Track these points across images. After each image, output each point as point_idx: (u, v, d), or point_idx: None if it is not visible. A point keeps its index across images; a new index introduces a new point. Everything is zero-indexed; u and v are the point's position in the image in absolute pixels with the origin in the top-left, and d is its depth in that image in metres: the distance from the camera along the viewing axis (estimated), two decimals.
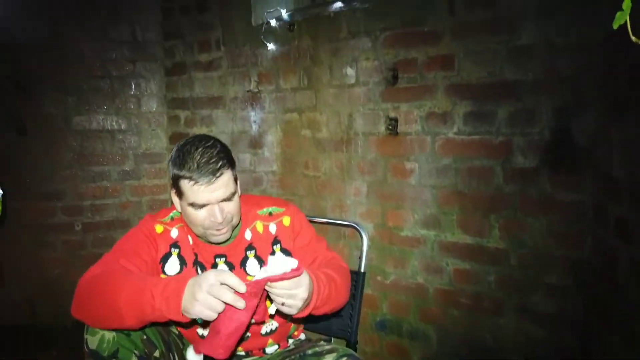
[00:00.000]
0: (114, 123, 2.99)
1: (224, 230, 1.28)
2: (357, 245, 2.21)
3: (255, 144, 2.64)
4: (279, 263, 1.08)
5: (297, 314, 1.15)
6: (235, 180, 1.30)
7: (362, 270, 1.71)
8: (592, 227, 1.63)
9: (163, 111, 3.08)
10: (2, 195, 2.12)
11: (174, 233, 1.37)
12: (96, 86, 2.93)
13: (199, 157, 1.21)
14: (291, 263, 1.09)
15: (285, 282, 1.08)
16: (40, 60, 2.80)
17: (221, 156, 1.24)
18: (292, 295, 1.10)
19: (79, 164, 2.94)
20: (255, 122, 2.63)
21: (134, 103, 3.02)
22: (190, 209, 1.25)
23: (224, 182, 1.23)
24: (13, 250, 2.81)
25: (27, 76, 2.78)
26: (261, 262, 1.37)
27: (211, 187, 1.21)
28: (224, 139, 2.75)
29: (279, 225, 1.41)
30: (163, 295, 1.05)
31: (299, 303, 1.11)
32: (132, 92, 3.01)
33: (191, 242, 1.37)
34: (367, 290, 2.22)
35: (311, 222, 1.51)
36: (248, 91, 2.63)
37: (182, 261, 1.35)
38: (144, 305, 1.06)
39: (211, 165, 1.20)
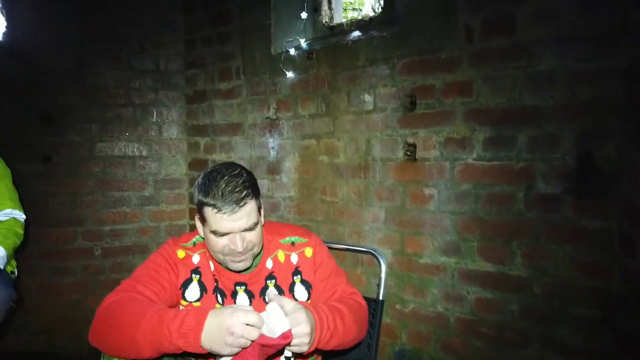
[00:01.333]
0: (135, 150, 3.05)
1: (243, 258, 1.27)
2: (375, 272, 2.18)
3: (273, 169, 2.66)
4: (273, 317, 1.10)
5: (306, 350, 1.15)
6: (259, 209, 1.30)
7: (381, 298, 1.67)
8: (618, 256, 1.58)
9: (183, 138, 3.14)
10: (25, 220, 2.17)
11: (196, 259, 1.36)
12: (119, 114, 3.00)
13: (224, 185, 1.21)
14: (283, 324, 1.09)
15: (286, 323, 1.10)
16: (67, 91, 2.89)
17: (246, 185, 1.24)
18: (295, 334, 1.11)
19: (100, 189, 2.99)
20: (273, 148, 2.65)
21: (155, 130, 3.08)
22: (212, 236, 1.25)
23: (247, 212, 1.23)
24: (33, 275, 2.83)
25: (54, 106, 2.87)
26: (281, 291, 1.36)
27: (234, 216, 1.21)
28: (243, 165, 2.79)
29: (301, 256, 1.40)
30: (180, 332, 1.07)
31: (304, 339, 1.12)
32: (153, 120, 3.07)
33: (212, 268, 1.36)
34: (386, 319, 2.18)
35: (329, 248, 1.50)
36: (267, 118, 2.66)
37: (203, 287, 1.35)
38: (161, 339, 1.08)
39: (235, 195, 1.20)
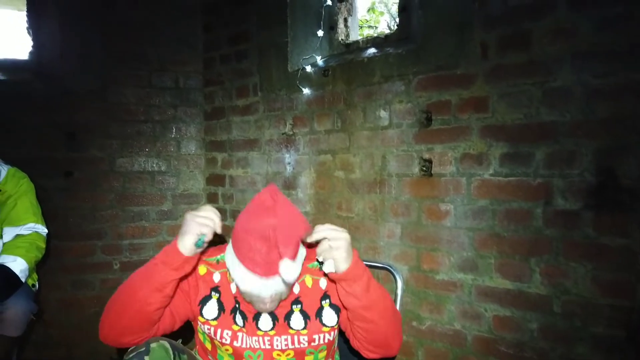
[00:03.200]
0: (154, 165, 3.10)
1: (271, 307, 1.25)
2: (391, 288, 2.16)
3: (289, 185, 2.67)
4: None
5: (345, 265, 1.15)
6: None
7: None
8: None
9: (201, 153, 3.18)
10: (47, 234, 2.22)
11: (216, 277, 1.35)
12: (139, 130, 3.07)
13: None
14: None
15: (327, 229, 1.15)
16: (90, 108, 2.96)
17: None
18: (332, 235, 1.14)
19: (120, 204, 3.04)
20: (289, 163, 2.67)
21: (174, 146, 3.14)
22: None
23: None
24: (53, 288, 2.88)
25: (77, 123, 2.94)
26: (307, 317, 1.32)
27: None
28: (259, 180, 2.82)
29: (329, 280, 1.34)
30: (162, 255, 1.19)
31: (341, 242, 1.14)
32: (172, 136, 3.13)
33: (234, 291, 1.33)
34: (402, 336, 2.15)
35: None
36: (283, 134, 2.69)
37: (221, 306, 1.33)
38: (152, 274, 1.19)
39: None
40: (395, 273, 1.70)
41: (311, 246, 1.25)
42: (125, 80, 3.03)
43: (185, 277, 1.29)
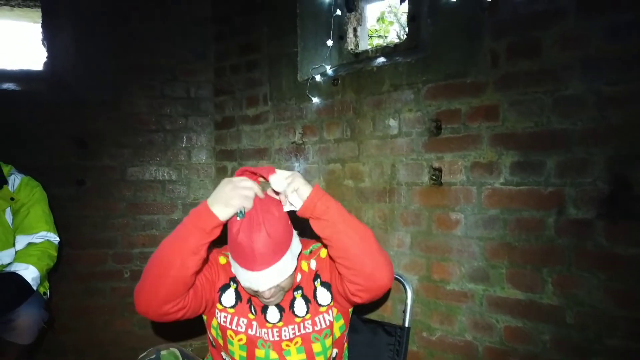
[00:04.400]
0: (165, 174, 3.12)
1: (273, 300, 1.30)
2: (401, 298, 2.15)
3: None
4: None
5: (307, 189, 1.20)
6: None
7: (407, 325, 1.65)
8: None
9: (211, 163, 3.20)
10: (59, 243, 2.24)
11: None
12: (151, 139, 3.10)
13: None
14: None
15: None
16: (102, 118, 3.00)
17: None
18: (284, 174, 1.22)
19: (131, 213, 3.07)
20: (299, 172, 2.67)
21: (185, 155, 3.16)
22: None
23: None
24: (65, 296, 2.90)
25: (89, 133, 2.98)
26: (308, 300, 1.38)
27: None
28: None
29: (318, 259, 1.42)
30: (192, 216, 1.19)
31: (294, 175, 1.22)
32: (183, 145, 3.15)
33: None
34: (412, 347, 2.13)
35: None
36: (292, 143, 2.70)
37: (238, 296, 1.39)
38: (185, 236, 1.18)
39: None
40: (405, 283, 1.69)
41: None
42: (137, 90, 3.06)
43: (207, 263, 1.37)
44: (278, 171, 1.24)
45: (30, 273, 2.01)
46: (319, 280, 1.40)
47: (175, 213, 3.14)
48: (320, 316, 1.38)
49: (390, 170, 2.24)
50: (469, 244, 1.98)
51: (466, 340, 2.00)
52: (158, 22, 3.07)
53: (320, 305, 1.38)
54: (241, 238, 1.19)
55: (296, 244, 1.32)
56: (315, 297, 1.39)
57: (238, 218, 1.20)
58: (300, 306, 1.38)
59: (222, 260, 1.42)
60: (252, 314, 1.38)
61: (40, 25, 3.01)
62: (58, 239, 2.23)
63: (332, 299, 1.39)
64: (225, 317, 1.39)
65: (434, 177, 2.08)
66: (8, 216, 2.13)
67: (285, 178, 1.23)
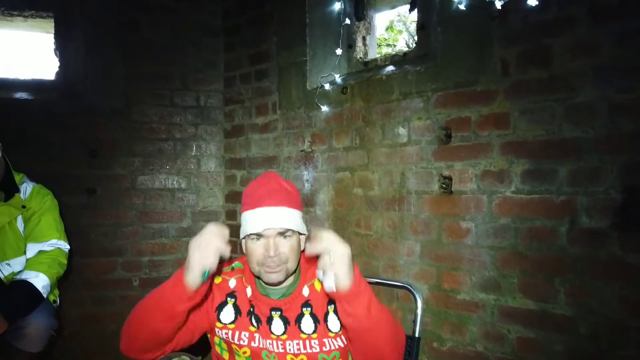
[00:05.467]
0: (174, 182, 3.14)
1: (277, 269, 1.29)
2: (411, 308, 2.13)
3: (308, 202, 2.67)
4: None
5: (347, 282, 1.12)
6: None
7: (417, 335, 1.62)
8: None
9: (220, 171, 3.21)
10: (69, 250, 2.25)
11: (232, 283, 1.40)
12: (161, 148, 3.12)
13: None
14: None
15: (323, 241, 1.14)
16: (113, 127, 3.03)
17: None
18: (334, 249, 1.13)
19: (141, 221, 3.08)
20: (307, 180, 2.68)
21: (194, 163, 3.17)
22: (249, 243, 1.30)
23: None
24: (75, 304, 2.91)
25: (100, 142, 3.00)
26: (317, 320, 1.34)
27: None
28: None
29: None
30: (173, 279, 1.20)
31: (343, 257, 1.12)
32: (193, 153, 3.17)
33: (249, 294, 1.38)
34: (422, 358, 2.10)
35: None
36: (301, 151, 2.70)
37: (237, 310, 1.37)
38: (162, 301, 1.20)
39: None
40: (415, 292, 1.67)
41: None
42: (147, 99, 3.09)
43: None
44: (320, 234, 1.16)
45: (40, 281, 2.02)
46: (333, 306, 1.34)
47: (185, 221, 3.15)
48: (331, 339, 1.34)
49: (399, 178, 2.23)
50: (479, 253, 1.96)
51: (477, 350, 1.97)
52: (168, 32, 3.11)
53: (329, 330, 1.34)
54: (255, 183, 1.34)
55: (303, 224, 1.35)
56: (325, 320, 1.35)
57: (202, 280, 1.18)
58: (307, 324, 1.34)
59: (217, 279, 1.41)
60: (254, 326, 1.35)
61: (52, 35, 3.06)
62: (68, 246, 2.24)
63: (340, 329, 1.33)
64: (226, 333, 1.37)
65: (444, 186, 2.07)
66: (20, 224, 2.15)
67: (326, 249, 1.14)
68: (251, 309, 1.37)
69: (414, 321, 1.60)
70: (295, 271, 1.37)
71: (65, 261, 2.19)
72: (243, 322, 1.36)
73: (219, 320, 1.37)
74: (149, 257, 3.08)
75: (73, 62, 3.03)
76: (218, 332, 1.38)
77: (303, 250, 1.36)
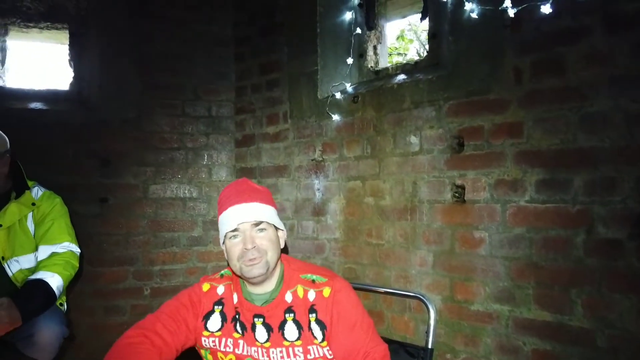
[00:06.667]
0: (186, 191, 3.15)
1: (256, 261, 1.29)
2: (423, 318, 2.10)
3: (319, 211, 2.66)
4: None
5: None
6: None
7: (430, 346, 1.60)
8: None
9: (231, 180, 3.21)
10: (80, 254, 2.26)
11: (220, 290, 1.42)
12: (172, 157, 3.13)
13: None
14: None
15: None
16: (125, 137, 3.05)
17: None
18: None
19: (152, 230, 3.09)
20: (318, 190, 2.67)
21: (206, 172, 3.19)
22: (228, 244, 1.33)
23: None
24: (86, 313, 2.92)
25: (112, 151, 3.02)
26: (300, 327, 1.33)
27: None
28: (288, 206, 2.82)
29: (319, 294, 1.35)
30: None
31: None
32: (204, 163, 3.18)
33: (235, 300, 1.39)
34: None
35: (374, 291, 1.47)
36: (312, 160, 2.70)
37: (224, 317, 1.39)
38: None
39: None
40: (427, 303, 1.65)
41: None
42: (160, 109, 3.11)
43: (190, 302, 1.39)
44: None
45: (55, 281, 2.04)
46: (315, 315, 1.33)
47: (196, 230, 3.15)
48: (315, 347, 1.32)
49: (411, 187, 2.22)
50: (493, 263, 1.94)
51: None
52: (180, 43, 3.14)
53: (314, 337, 1.32)
54: (226, 188, 1.39)
55: (280, 222, 1.39)
56: (309, 328, 1.33)
57: None
58: (291, 330, 1.33)
59: (206, 287, 1.43)
60: (238, 332, 1.36)
61: (67, 46, 3.10)
62: (79, 250, 2.25)
63: (323, 339, 1.32)
64: (213, 341, 1.38)
65: (456, 195, 2.05)
66: (30, 222, 2.17)
67: None
68: (236, 316, 1.37)
69: (427, 332, 1.58)
70: (276, 267, 1.38)
71: (77, 264, 2.20)
72: (228, 328, 1.37)
73: (206, 329, 1.38)
74: (160, 266, 3.09)
75: (87, 73, 3.07)
76: (205, 341, 1.39)
77: (283, 249, 1.40)
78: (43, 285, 2.00)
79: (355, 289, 1.45)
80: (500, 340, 1.91)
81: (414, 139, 2.22)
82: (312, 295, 1.35)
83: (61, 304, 2.22)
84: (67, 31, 3.11)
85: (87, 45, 3.07)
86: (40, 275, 2.03)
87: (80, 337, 2.83)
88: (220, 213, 1.36)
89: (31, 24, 3.07)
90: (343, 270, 2.51)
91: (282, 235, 1.40)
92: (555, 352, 1.76)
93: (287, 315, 1.35)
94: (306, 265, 1.46)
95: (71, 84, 3.10)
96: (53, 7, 3.04)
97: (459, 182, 2.05)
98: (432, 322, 1.60)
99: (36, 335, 1.96)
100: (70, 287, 2.23)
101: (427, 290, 2.14)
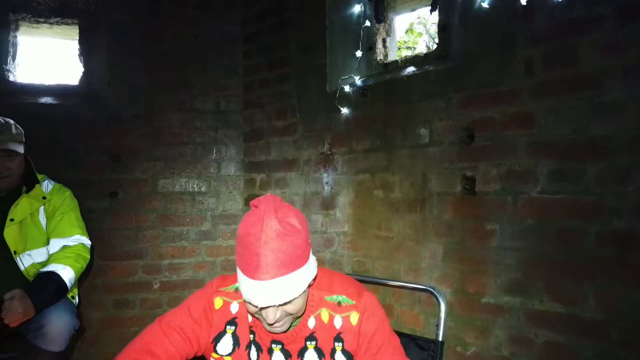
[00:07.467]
0: (195, 186, 3.16)
1: (279, 325, 1.12)
2: (434, 311, 2.09)
3: (328, 205, 2.66)
4: None
5: None
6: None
7: (441, 339, 1.59)
8: None
9: (240, 174, 3.22)
10: (91, 246, 2.29)
11: (234, 308, 1.27)
12: (181, 152, 3.14)
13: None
14: None
15: None
16: (135, 132, 3.07)
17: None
18: None
19: (161, 224, 3.10)
20: (327, 183, 2.66)
21: (214, 167, 3.19)
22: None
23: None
24: (96, 307, 2.94)
25: (123, 147, 3.04)
26: (322, 354, 1.22)
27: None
28: (297, 200, 2.81)
29: (345, 321, 1.21)
30: None
31: None
32: (213, 157, 3.19)
33: (251, 319, 1.25)
34: None
35: (384, 285, 1.43)
36: (321, 154, 2.69)
37: (236, 341, 1.26)
38: None
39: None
40: (438, 296, 1.64)
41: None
42: (168, 104, 3.12)
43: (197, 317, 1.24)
44: None
45: (67, 274, 2.06)
46: (341, 344, 1.21)
47: (204, 225, 3.16)
48: None
49: (421, 180, 2.21)
50: (504, 255, 1.92)
51: (503, 355, 1.92)
52: (189, 39, 3.15)
53: None
54: (248, 240, 1.03)
55: (313, 266, 1.15)
56: (332, 357, 1.22)
57: None
58: (311, 358, 1.22)
59: (218, 303, 1.26)
60: (252, 357, 1.25)
61: (77, 41, 3.12)
62: (90, 242, 2.27)
63: None
64: None
65: (467, 187, 2.04)
66: (42, 216, 2.19)
67: None
68: (252, 338, 1.25)
69: (437, 325, 1.57)
70: None
71: (88, 256, 2.22)
72: (240, 355, 1.25)
73: (215, 351, 1.26)
74: (169, 260, 3.10)
75: (97, 68, 3.08)
76: None
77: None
78: (55, 277, 2.02)
79: (365, 282, 1.43)
80: (511, 333, 1.90)
81: (423, 131, 2.20)
82: (338, 322, 1.22)
83: (73, 297, 2.24)
84: (77, 27, 3.13)
85: (97, 40, 3.08)
86: (52, 267, 2.05)
87: (90, 331, 2.85)
88: (237, 262, 1.09)
89: (41, 19, 3.09)
90: (352, 263, 2.51)
91: (314, 264, 1.17)
92: (568, 344, 1.74)
93: (308, 342, 1.23)
94: (333, 283, 1.27)
95: (81, 79, 3.11)
96: (63, 2, 3.05)
97: (469, 174, 2.03)
98: (442, 314, 1.59)
99: (47, 326, 1.97)
100: (80, 280, 2.24)
101: (437, 283, 2.12)
